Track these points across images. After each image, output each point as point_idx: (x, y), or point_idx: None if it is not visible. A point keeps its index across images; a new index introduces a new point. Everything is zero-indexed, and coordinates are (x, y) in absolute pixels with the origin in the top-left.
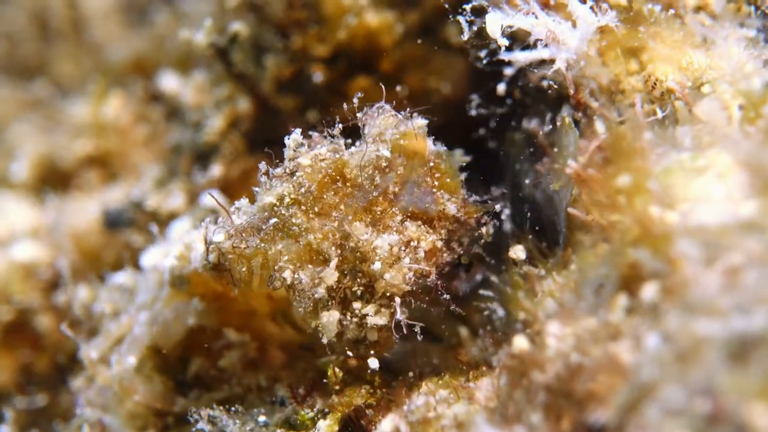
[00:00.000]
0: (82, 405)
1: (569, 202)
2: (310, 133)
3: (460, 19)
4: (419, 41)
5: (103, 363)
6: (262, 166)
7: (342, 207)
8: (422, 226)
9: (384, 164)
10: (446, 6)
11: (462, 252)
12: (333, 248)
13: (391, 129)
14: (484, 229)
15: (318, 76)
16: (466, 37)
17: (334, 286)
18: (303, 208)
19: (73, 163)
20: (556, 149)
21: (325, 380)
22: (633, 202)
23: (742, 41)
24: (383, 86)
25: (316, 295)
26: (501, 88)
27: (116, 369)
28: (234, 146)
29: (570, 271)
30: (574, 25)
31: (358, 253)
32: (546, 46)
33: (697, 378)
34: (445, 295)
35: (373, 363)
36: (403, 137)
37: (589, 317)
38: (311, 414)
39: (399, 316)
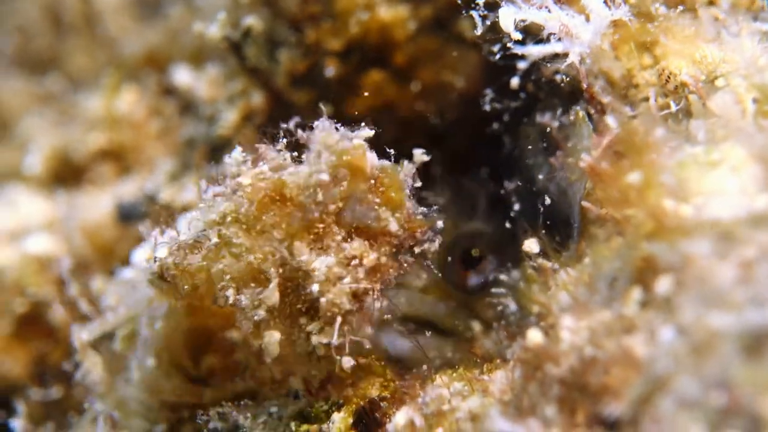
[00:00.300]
0: (95, 399)
1: (583, 196)
2: (257, 146)
3: (473, 13)
4: (432, 35)
5: (93, 348)
6: (203, 183)
7: (283, 226)
8: (365, 243)
9: (325, 182)
10: (459, 1)
11: (409, 265)
12: (273, 269)
13: (332, 146)
14: (426, 245)
15: (331, 70)
16: (479, 31)
17: (277, 305)
18: (244, 227)
19: (86, 157)
20: (569, 143)
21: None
22: (646, 196)
23: (755, 35)
24: (396, 81)
25: (256, 317)
26: (514, 82)
27: (137, 374)
28: (248, 140)
29: (584, 264)
30: (587, 19)
31: (300, 272)
32: (559, 39)
33: (712, 371)
34: (379, 306)
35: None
36: (344, 153)
37: (603, 310)
38: (325, 406)
39: (335, 340)
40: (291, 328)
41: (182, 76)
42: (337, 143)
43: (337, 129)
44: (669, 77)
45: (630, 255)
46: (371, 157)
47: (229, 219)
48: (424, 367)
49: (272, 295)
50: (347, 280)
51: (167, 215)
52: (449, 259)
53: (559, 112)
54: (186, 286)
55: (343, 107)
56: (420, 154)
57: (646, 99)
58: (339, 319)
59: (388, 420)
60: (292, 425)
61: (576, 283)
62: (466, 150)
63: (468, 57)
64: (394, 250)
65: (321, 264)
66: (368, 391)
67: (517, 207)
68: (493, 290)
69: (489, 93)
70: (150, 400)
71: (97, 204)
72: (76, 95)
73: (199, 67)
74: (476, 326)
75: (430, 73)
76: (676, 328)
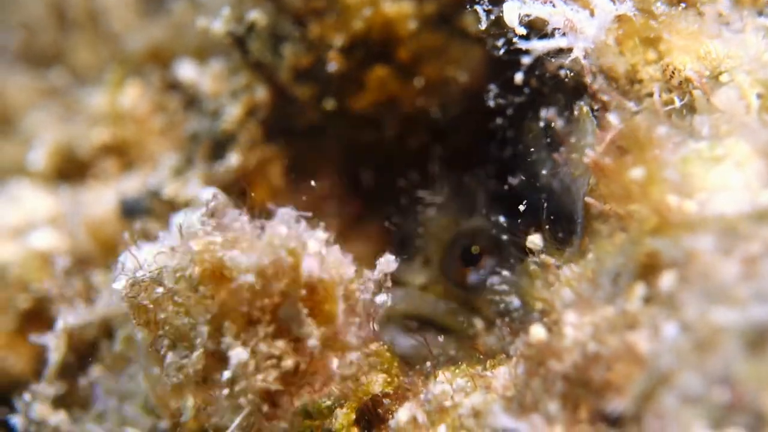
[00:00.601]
0: (101, 394)
1: (586, 192)
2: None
3: (478, 8)
4: (436, 30)
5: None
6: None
7: (217, 304)
8: (290, 345)
9: (265, 274)
10: None
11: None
12: (200, 339)
13: (277, 244)
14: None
15: (335, 65)
16: (483, 26)
17: (198, 373)
18: (185, 288)
19: (90, 152)
20: (573, 139)
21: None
22: (650, 192)
23: (760, 30)
24: (399, 77)
25: (174, 380)
26: (518, 77)
27: (140, 373)
28: (251, 135)
29: (587, 260)
30: (591, 14)
31: (220, 353)
32: (563, 35)
33: (715, 367)
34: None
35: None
36: (290, 254)
37: (606, 306)
38: (328, 403)
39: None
40: (208, 398)
41: (186, 70)
42: (283, 242)
43: (297, 221)
44: (673, 73)
45: (633, 251)
46: (310, 265)
47: (178, 274)
48: (428, 363)
49: (195, 363)
50: (260, 377)
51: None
52: (449, 256)
53: (563, 107)
54: (140, 319)
55: (346, 102)
56: (387, 262)
57: (651, 94)
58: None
59: (390, 416)
60: (295, 421)
61: (579, 279)
62: (469, 146)
63: (472, 52)
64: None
65: (236, 356)
66: (371, 387)
67: (520, 203)
68: (496, 287)
69: (493, 88)
70: (153, 396)
71: (100, 199)
72: (80, 91)
73: (203, 62)
74: (478, 323)
75: (434, 69)
76: (679, 324)
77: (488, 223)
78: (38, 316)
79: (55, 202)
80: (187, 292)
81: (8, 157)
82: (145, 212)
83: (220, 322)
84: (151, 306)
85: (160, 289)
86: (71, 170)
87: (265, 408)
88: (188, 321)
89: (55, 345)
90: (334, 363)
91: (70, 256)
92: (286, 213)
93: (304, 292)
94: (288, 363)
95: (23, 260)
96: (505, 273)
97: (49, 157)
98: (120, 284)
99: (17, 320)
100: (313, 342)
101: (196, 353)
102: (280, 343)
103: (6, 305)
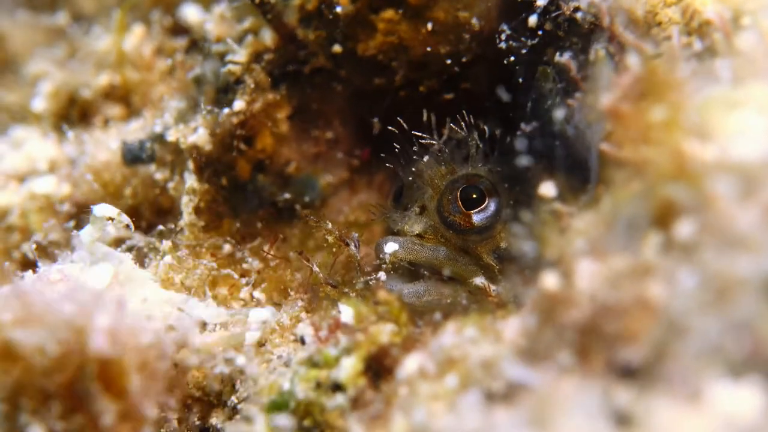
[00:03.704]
0: None
1: (602, 138)
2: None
3: None
4: None
5: None
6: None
7: (9, 383)
8: (87, 423)
9: (57, 352)
10: None
11: None
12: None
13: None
14: None
15: (343, 7)
16: None
17: None
18: None
19: (94, 97)
20: (588, 83)
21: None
22: (668, 137)
23: None
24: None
25: None
26: (532, 19)
27: None
28: (257, 79)
29: (602, 208)
30: None
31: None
32: None
33: (734, 316)
34: None
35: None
36: (77, 332)
37: (620, 255)
38: (335, 352)
39: None
40: None
41: (191, 14)
42: (70, 320)
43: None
44: (693, 15)
45: (649, 198)
46: (98, 342)
47: None
48: (437, 314)
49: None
50: None
51: None
52: (447, 201)
53: (578, 51)
54: None
55: (355, 47)
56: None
57: (669, 37)
58: None
59: (399, 366)
60: (301, 371)
61: (593, 227)
62: (481, 92)
63: None
64: None
65: None
66: (379, 337)
67: (533, 149)
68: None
69: (506, 29)
70: None
71: (104, 144)
72: (84, 35)
73: (208, 6)
74: (479, 275)
75: (445, 12)
76: (696, 272)
77: (485, 169)
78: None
79: (57, 146)
80: None
81: (12, 102)
82: (149, 158)
83: (16, 400)
84: None
85: None
86: (75, 115)
87: None
88: None
89: None
90: None
91: (73, 201)
92: (78, 290)
93: (96, 368)
94: None
95: (25, 204)
96: (518, 218)
97: (52, 101)
98: None
99: (19, 265)
100: (107, 419)
101: None
102: (78, 419)
103: (9, 249)
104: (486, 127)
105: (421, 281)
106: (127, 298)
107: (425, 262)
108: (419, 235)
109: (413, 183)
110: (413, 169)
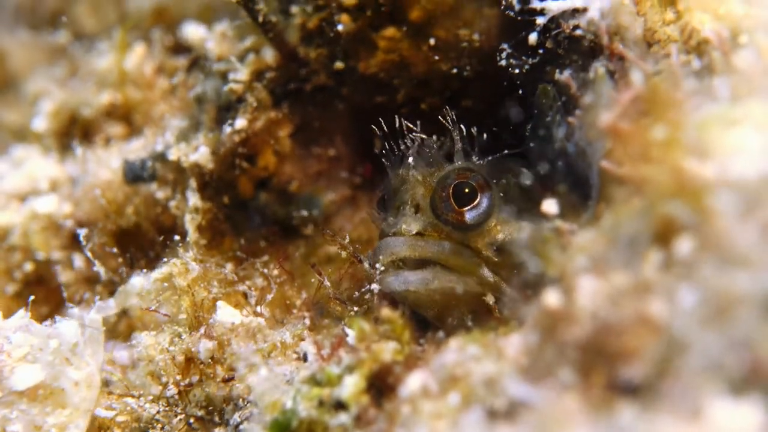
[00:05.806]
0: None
1: (602, 156)
2: None
3: None
4: None
5: None
6: None
7: None
8: None
9: None
10: None
11: None
12: None
13: None
14: None
15: (345, 26)
16: None
17: None
18: None
19: (95, 116)
20: (588, 101)
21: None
22: (668, 155)
23: None
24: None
25: None
26: (533, 38)
27: None
28: (259, 97)
29: (603, 225)
30: None
31: None
32: None
33: (734, 333)
34: None
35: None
36: None
37: (621, 272)
38: (338, 371)
39: None
40: None
41: (192, 32)
42: None
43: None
44: (691, 33)
45: (650, 215)
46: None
47: None
48: (440, 332)
49: None
50: None
51: None
52: (439, 197)
53: (578, 69)
54: None
55: (356, 65)
56: None
57: (668, 55)
58: None
59: (401, 384)
60: (304, 389)
61: (594, 244)
62: (482, 109)
63: (485, 12)
64: None
65: None
66: (381, 355)
67: (534, 167)
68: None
69: (506, 48)
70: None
71: (105, 163)
72: (86, 54)
73: (210, 25)
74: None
75: (447, 30)
76: (696, 290)
77: (474, 162)
78: (41, 282)
79: (59, 166)
80: None
81: (13, 121)
82: (150, 176)
83: None
84: None
85: None
86: (76, 134)
87: None
88: None
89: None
90: None
91: (75, 220)
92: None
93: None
94: None
95: (27, 224)
96: (521, 236)
97: (54, 120)
98: None
99: (19, 285)
100: None
101: None
102: None
103: (9, 269)
104: (463, 126)
105: (428, 268)
106: None
107: (433, 257)
108: (419, 234)
109: (398, 187)
110: (400, 171)
